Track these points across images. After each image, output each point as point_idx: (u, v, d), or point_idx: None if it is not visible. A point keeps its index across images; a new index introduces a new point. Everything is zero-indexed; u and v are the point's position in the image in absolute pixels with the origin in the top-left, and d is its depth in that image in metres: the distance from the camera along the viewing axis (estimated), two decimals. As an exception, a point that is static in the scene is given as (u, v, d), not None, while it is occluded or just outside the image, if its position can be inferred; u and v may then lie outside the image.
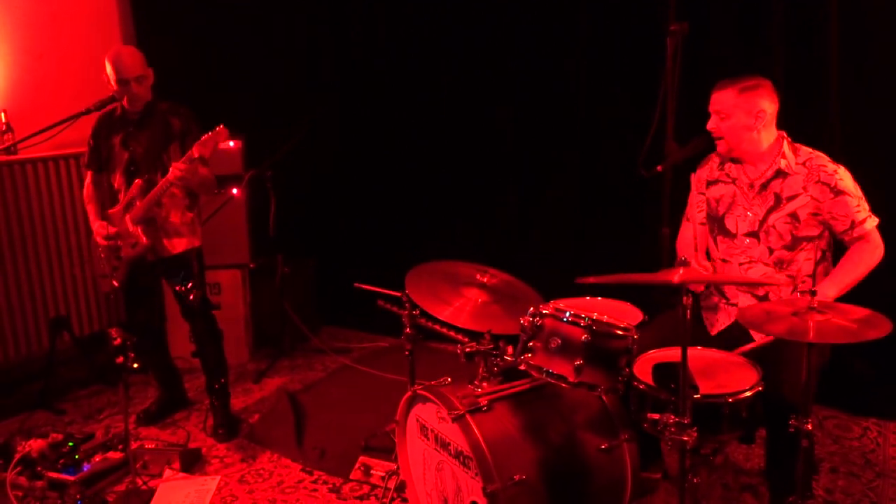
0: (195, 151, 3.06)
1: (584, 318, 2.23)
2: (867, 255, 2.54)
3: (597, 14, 3.80)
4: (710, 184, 2.79)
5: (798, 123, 2.85)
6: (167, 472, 3.14)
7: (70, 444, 3.14)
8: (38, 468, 3.01)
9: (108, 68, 3.21)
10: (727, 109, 2.59)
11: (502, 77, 4.15)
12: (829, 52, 3.23)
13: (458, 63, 4.27)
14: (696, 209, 2.85)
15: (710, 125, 2.65)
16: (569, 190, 4.06)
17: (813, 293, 2.07)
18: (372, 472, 3.06)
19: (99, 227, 3.37)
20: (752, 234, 2.65)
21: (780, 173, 2.59)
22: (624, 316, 2.61)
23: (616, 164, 3.71)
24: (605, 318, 2.25)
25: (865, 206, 2.55)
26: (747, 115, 2.58)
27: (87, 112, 3.23)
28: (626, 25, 3.70)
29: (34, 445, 3.08)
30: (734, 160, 2.70)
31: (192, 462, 3.24)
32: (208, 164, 3.23)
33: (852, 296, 2.45)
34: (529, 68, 4.06)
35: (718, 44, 3.47)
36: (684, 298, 2.03)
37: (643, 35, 3.52)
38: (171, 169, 3.13)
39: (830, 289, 2.48)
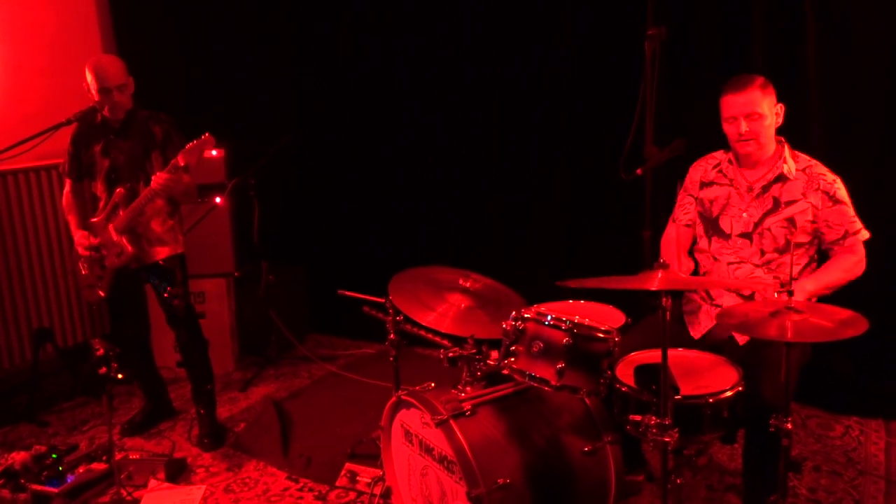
0: (181, 160, 3.02)
1: (565, 322, 2.24)
2: (851, 265, 2.58)
3: (582, 19, 3.82)
4: (704, 185, 2.80)
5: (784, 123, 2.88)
6: (152, 483, 3.13)
7: (53, 455, 3.11)
8: (22, 480, 2.99)
9: (89, 77, 3.19)
10: (759, 109, 2.54)
11: (489, 81, 4.16)
12: (809, 50, 3.26)
13: (446, 69, 4.28)
14: (682, 211, 2.87)
15: (742, 129, 2.56)
16: (558, 193, 4.07)
17: (790, 293, 2.09)
18: (358, 478, 3.06)
19: (80, 238, 3.34)
20: (746, 236, 2.66)
21: (781, 178, 2.60)
22: (607, 319, 2.63)
23: (605, 167, 3.72)
24: (586, 322, 2.26)
25: (858, 219, 2.59)
26: (772, 113, 2.58)
27: (68, 123, 3.22)
28: (612, 30, 3.71)
29: (17, 458, 3.06)
30: (735, 161, 2.69)
31: (178, 472, 3.23)
32: (190, 172, 3.21)
33: (832, 297, 2.49)
34: (517, 73, 4.07)
35: (700, 42, 3.49)
36: (664, 300, 2.05)
37: (630, 39, 3.52)
38: (154, 178, 3.11)
39: (808, 283, 2.51)
